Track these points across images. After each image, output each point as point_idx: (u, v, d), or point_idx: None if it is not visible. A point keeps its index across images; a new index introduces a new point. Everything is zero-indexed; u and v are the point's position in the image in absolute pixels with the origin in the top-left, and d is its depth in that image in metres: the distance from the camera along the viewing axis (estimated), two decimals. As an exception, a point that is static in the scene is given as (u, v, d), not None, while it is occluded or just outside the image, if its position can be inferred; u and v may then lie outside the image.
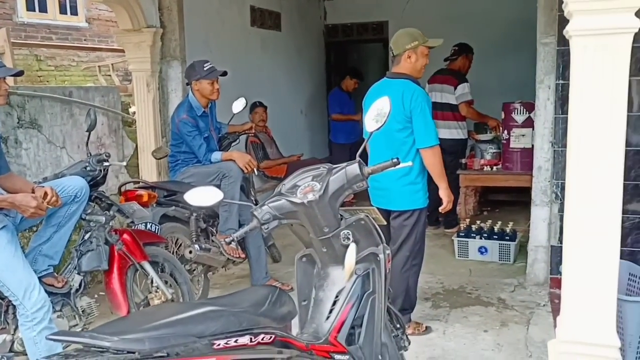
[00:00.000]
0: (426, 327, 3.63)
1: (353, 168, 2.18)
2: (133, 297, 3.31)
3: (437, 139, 3.44)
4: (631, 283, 3.43)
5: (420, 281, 3.81)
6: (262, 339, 1.87)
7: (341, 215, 2.22)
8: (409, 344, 2.53)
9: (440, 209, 3.57)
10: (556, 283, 4.14)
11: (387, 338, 2.29)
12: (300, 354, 2.04)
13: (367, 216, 2.24)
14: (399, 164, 2.28)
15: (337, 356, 2.14)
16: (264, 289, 2.16)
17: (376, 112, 2.24)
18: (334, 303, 2.15)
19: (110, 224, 3.28)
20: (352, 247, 2.04)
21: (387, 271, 2.23)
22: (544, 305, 3.97)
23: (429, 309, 3.98)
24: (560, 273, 4.06)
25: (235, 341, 1.79)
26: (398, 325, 2.52)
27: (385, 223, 2.55)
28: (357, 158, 2.20)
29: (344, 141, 7.09)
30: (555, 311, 3.84)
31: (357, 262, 2.07)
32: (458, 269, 4.73)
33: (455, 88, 5.48)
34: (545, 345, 3.37)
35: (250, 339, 1.83)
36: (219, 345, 1.75)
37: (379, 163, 2.21)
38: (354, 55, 9.58)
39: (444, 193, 3.48)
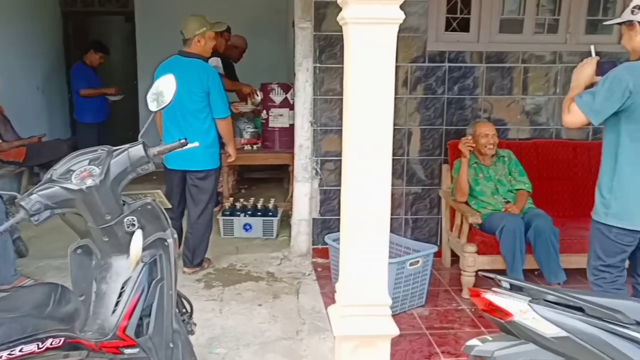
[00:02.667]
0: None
1: (137, 150, 2.06)
2: None
3: (230, 110, 4.26)
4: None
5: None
6: (51, 344, 1.67)
7: (124, 200, 2.07)
8: (195, 326, 2.50)
9: (229, 160, 4.49)
10: (318, 253, 4.49)
11: (178, 324, 2.22)
12: (90, 355, 1.87)
13: (154, 200, 2.13)
14: (186, 144, 2.23)
15: (127, 350, 2.01)
16: (44, 287, 1.92)
17: (156, 91, 2.15)
18: (120, 295, 2.00)
19: None
20: (138, 234, 1.93)
21: (176, 255, 2.17)
22: (308, 274, 4.26)
23: (203, 290, 3.96)
24: (321, 243, 4.42)
25: (20, 350, 1.58)
26: (185, 310, 2.47)
27: (170, 206, 2.46)
28: (140, 139, 2.08)
29: (91, 120, 6.57)
30: (320, 278, 4.16)
31: (143, 249, 1.96)
32: (225, 247, 4.79)
33: None
34: (316, 312, 3.65)
35: (38, 345, 1.62)
36: (0, 357, 1.52)
37: (168, 144, 2.15)
38: (95, 28, 8.87)
39: (232, 150, 4.39)
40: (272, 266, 4.40)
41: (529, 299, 1.82)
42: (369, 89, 2.40)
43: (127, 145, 2.06)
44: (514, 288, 1.89)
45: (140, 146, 2.05)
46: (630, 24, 2.73)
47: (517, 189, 4.10)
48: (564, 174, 4.44)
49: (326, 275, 4.16)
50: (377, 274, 2.54)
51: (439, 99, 4.46)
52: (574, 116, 2.72)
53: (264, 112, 5.31)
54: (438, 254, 4.43)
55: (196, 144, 2.44)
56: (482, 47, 4.44)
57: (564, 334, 1.76)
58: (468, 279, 3.83)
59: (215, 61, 5.44)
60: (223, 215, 5.06)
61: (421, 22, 4.34)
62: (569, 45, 4.49)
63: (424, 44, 4.38)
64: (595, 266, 2.86)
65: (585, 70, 2.81)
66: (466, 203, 4.10)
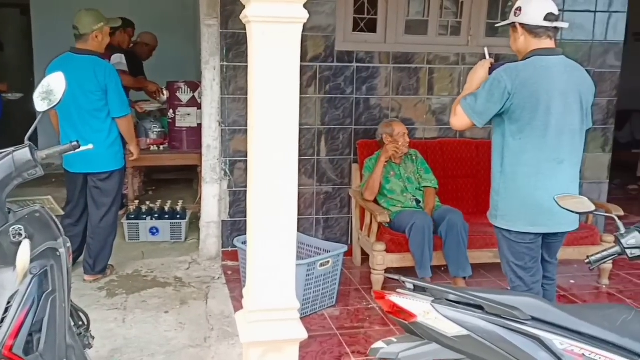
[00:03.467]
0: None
1: (23, 153, 1.93)
2: None
3: (129, 107, 4.12)
4: (293, 248, 3.84)
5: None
6: None
7: (9, 208, 1.93)
8: (94, 339, 2.37)
9: (131, 159, 4.32)
10: (228, 256, 4.39)
11: (72, 339, 2.09)
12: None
13: (43, 207, 2.00)
14: (79, 147, 2.11)
15: (15, 369, 1.86)
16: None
17: (45, 90, 2.02)
18: (6, 311, 1.85)
19: None
20: (25, 244, 1.79)
21: (70, 265, 2.04)
22: (218, 278, 4.15)
23: (105, 299, 3.76)
24: (230, 246, 4.32)
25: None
26: (81, 323, 2.33)
27: (62, 213, 2.31)
28: (27, 141, 1.94)
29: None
30: (230, 282, 4.07)
31: (32, 260, 1.83)
32: (130, 253, 4.58)
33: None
34: (225, 317, 3.56)
35: None
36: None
37: (58, 146, 2.02)
38: (-14, 21, 8.28)
39: (134, 148, 4.25)
40: (180, 271, 4.26)
41: (432, 299, 1.84)
42: (273, 89, 2.35)
43: (12, 149, 1.93)
44: (417, 289, 1.90)
45: (27, 149, 1.92)
46: (513, 26, 2.74)
47: (424, 187, 4.20)
48: (467, 172, 4.59)
49: (236, 278, 4.07)
50: (285, 277, 2.50)
51: (348, 99, 4.48)
52: (459, 118, 2.73)
53: (171, 111, 5.14)
54: (349, 253, 4.46)
55: (90, 146, 2.31)
56: (389, 48, 4.51)
57: (464, 332, 1.78)
58: (378, 278, 3.87)
59: (119, 57, 5.20)
60: (128, 219, 4.84)
61: (329, 21, 4.34)
62: (470, 47, 4.64)
63: (333, 43, 4.38)
64: (509, 271, 2.81)
65: (479, 73, 2.79)
66: (376, 201, 4.14)
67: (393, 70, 4.53)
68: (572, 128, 2.67)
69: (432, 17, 4.58)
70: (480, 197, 4.54)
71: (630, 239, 2.20)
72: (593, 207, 2.40)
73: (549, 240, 2.80)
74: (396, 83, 4.56)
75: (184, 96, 5.05)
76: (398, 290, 1.93)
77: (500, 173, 2.72)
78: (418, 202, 4.15)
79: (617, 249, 2.23)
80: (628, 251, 2.19)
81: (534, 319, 1.83)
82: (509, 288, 2.90)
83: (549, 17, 2.64)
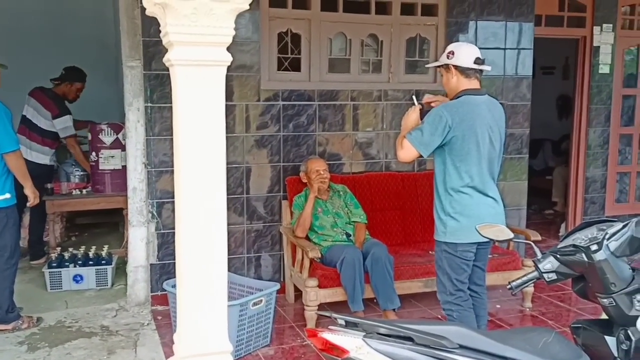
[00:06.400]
0: (37, 318, 3.97)
1: None
2: None
3: (18, 143, 3.85)
4: (225, 289, 3.79)
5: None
6: None
7: None
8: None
9: (28, 204, 4.13)
10: (157, 300, 4.27)
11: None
12: None
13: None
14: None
15: None
16: None
17: None
18: None
19: None
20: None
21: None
22: (147, 324, 4.02)
23: (25, 354, 3.55)
24: (160, 290, 4.21)
25: None
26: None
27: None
28: None
29: None
30: (160, 327, 3.95)
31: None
32: (53, 303, 4.36)
33: (53, 116, 5.17)
34: (156, 364, 3.44)
35: None
36: None
37: None
38: None
39: (29, 191, 3.97)
40: (106, 319, 4.09)
41: (364, 333, 1.86)
42: (198, 130, 2.34)
43: None
44: (349, 324, 1.93)
45: None
46: (446, 67, 3.11)
47: (353, 221, 4.27)
48: (395, 204, 4.70)
49: (167, 323, 3.96)
50: (217, 320, 2.45)
51: (275, 137, 4.53)
52: (407, 151, 3.06)
53: (93, 154, 5.00)
54: (282, 291, 4.45)
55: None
56: (313, 86, 4.60)
57: (396, 365, 1.82)
58: (311, 314, 3.87)
59: (65, 121, 5.15)
60: (49, 267, 4.62)
61: (254, 61, 4.40)
62: (392, 83, 4.82)
63: (258, 82, 4.43)
64: (450, 286, 3.11)
65: (411, 117, 3.17)
66: (307, 237, 4.17)
67: (318, 107, 4.63)
68: (494, 155, 3.11)
69: (354, 56, 4.73)
70: (408, 227, 4.67)
71: (547, 264, 2.32)
72: (512, 235, 2.54)
73: (480, 247, 3.12)
74: (322, 119, 4.65)
75: (107, 138, 4.93)
76: (330, 326, 1.94)
77: (445, 196, 3.06)
78: (349, 235, 4.20)
79: (535, 273, 2.35)
80: (545, 275, 2.32)
81: (461, 346, 1.89)
82: (445, 309, 3.18)
83: (477, 60, 3.06)
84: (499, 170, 3.20)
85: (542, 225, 6.69)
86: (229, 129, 4.39)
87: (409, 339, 1.86)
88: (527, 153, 5.33)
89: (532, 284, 2.46)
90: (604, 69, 5.88)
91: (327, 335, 1.86)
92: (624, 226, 2.24)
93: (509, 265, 4.25)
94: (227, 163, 4.33)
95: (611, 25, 5.80)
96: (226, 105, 4.34)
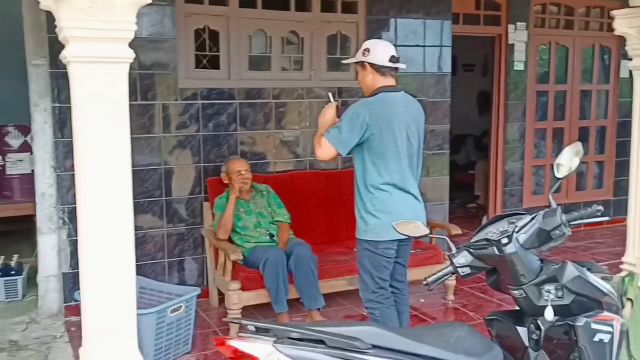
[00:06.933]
0: None
1: None
2: None
3: None
4: (142, 296, 3.64)
5: None
6: None
7: None
8: None
9: None
10: (71, 311, 4.06)
11: None
12: None
13: None
14: None
15: None
16: None
17: None
18: None
19: None
20: None
21: None
22: (60, 337, 3.82)
23: None
24: (74, 300, 4.00)
25: None
26: None
27: None
28: None
29: None
30: (73, 339, 3.76)
31: None
32: (-44, 319, 4.07)
33: None
34: (69, 379, 3.26)
35: None
36: None
37: None
38: None
39: None
40: (16, 333, 3.85)
41: (274, 339, 1.81)
42: (99, 132, 2.21)
43: None
44: (260, 330, 1.86)
45: None
46: (362, 64, 3.09)
47: (277, 221, 4.20)
48: (319, 202, 4.68)
49: (81, 334, 3.75)
50: (125, 330, 2.34)
51: (195, 137, 4.40)
52: (325, 149, 3.01)
53: (0, 158, 4.70)
54: (205, 294, 4.34)
55: None
56: (234, 84, 4.51)
57: (308, 369, 1.77)
58: (234, 317, 3.78)
59: None
60: (-48, 280, 4.31)
61: (170, 59, 4.25)
62: (314, 81, 4.78)
63: (175, 81, 4.29)
64: (372, 284, 3.09)
65: (328, 114, 3.12)
66: (230, 239, 4.08)
67: (239, 106, 4.53)
68: (413, 152, 3.11)
69: (275, 53, 4.66)
70: (333, 226, 4.65)
71: (460, 258, 2.34)
72: (427, 231, 2.54)
73: (401, 244, 3.11)
74: (244, 118, 4.56)
75: (15, 141, 4.66)
76: (239, 333, 1.87)
77: (365, 194, 3.04)
78: (272, 236, 4.14)
79: (450, 268, 2.36)
80: (459, 270, 2.34)
81: (374, 346, 1.86)
82: (367, 307, 3.17)
83: (392, 59, 3.06)
84: (420, 166, 3.21)
85: (466, 218, 6.86)
86: (146, 129, 4.23)
87: (321, 342, 1.82)
88: (448, 149, 5.43)
89: (449, 278, 2.47)
90: (519, 66, 6.08)
91: (236, 343, 1.79)
92: (532, 219, 2.28)
93: (431, 259, 4.31)
94: (144, 165, 4.23)
95: (524, 23, 6.01)
96: (142, 104, 4.23)
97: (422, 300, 4.47)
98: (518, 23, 5.99)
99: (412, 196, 3.11)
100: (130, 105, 4.02)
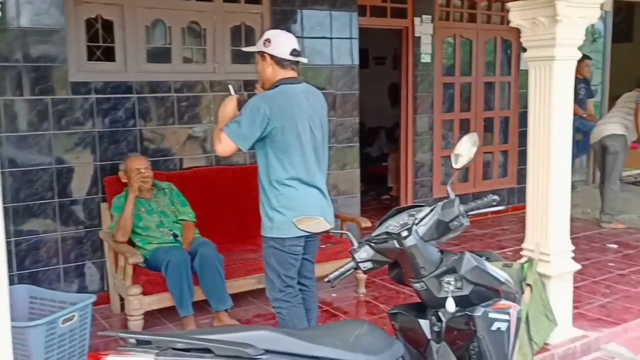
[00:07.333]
0: None
1: None
2: None
3: None
4: (33, 306, 3.37)
5: None
6: None
7: None
8: None
9: None
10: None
11: None
12: None
13: None
14: None
15: None
16: None
17: None
18: None
19: None
20: None
21: None
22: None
23: None
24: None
25: None
26: None
27: None
28: None
29: None
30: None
31: None
32: None
33: None
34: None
35: None
36: None
37: None
38: None
39: None
40: None
41: (157, 351, 1.67)
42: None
43: None
44: (141, 342, 1.72)
45: None
46: (262, 54, 2.96)
47: (181, 220, 4.02)
48: (226, 199, 4.52)
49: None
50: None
51: (90, 134, 4.13)
52: (225, 144, 2.87)
53: None
54: (106, 300, 4.10)
55: None
56: (131, 77, 4.27)
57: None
58: (136, 324, 3.57)
59: None
60: None
61: (59, 51, 3.95)
62: (218, 74, 4.62)
63: (66, 74, 4.00)
64: (279, 283, 3.00)
65: (228, 108, 2.97)
66: (130, 240, 3.86)
67: (138, 100, 4.30)
68: (318, 145, 3.01)
69: (175, 45, 4.46)
70: (242, 223, 4.51)
71: (362, 253, 2.29)
72: (329, 227, 2.48)
73: (308, 240, 3.01)
74: (143, 113, 4.33)
75: None
76: (119, 347, 1.72)
77: (270, 190, 2.92)
78: (176, 236, 3.96)
79: (352, 264, 2.30)
80: (361, 265, 2.28)
81: (268, 352, 1.77)
82: (275, 307, 3.08)
83: (293, 52, 2.93)
84: (327, 160, 3.12)
85: (380, 210, 6.90)
86: (34, 126, 3.93)
87: (209, 350, 1.70)
88: (358, 141, 5.42)
89: (350, 274, 2.41)
90: (426, 59, 6.17)
91: (113, 358, 1.64)
92: (431, 210, 2.27)
93: (342, 253, 4.25)
94: (34, 165, 3.93)
95: (430, 16, 6.10)
96: (30, 100, 3.93)
97: (333, 295, 4.42)
98: (424, 16, 6.07)
99: (318, 191, 3.02)
100: (16, 101, 3.76)
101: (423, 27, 6.08)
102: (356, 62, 5.29)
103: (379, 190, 7.95)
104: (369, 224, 4.29)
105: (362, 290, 4.46)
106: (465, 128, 6.62)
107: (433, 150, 6.38)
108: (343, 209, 5.28)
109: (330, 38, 5.13)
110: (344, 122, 5.25)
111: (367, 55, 9.18)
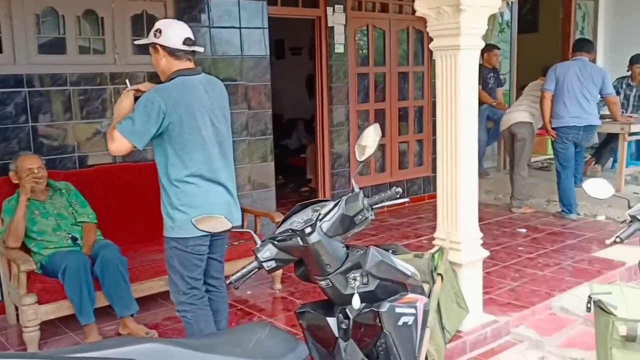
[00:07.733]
0: None
1: None
2: None
3: None
4: None
5: None
6: None
7: None
8: None
9: None
10: None
11: None
12: None
13: None
14: None
15: None
16: None
17: None
18: None
19: None
20: None
21: None
22: None
23: None
24: None
25: None
26: None
27: None
28: None
29: None
30: None
31: None
32: None
33: None
34: None
35: None
36: None
37: None
38: None
39: None
40: None
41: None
42: None
43: None
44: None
45: None
46: (154, 46, 2.79)
47: (80, 222, 3.77)
48: (132, 197, 4.29)
49: None
50: None
51: (-25, 131, 3.79)
52: (118, 143, 2.70)
53: None
54: (2, 311, 3.80)
55: None
56: (21, 70, 3.95)
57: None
58: (31, 335, 3.32)
59: None
60: None
61: None
62: (119, 65, 4.36)
63: (-56, 66, 3.65)
64: (183, 285, 2.85)
65: (124, 103, 2.79)
66: (24, 246, 3.57)
67: (30, 94, 3.98)
68: (222, 138, 2.87)
69: (70, 35, 4.16)
70: (149, 222, 4.28)
71: (265, 252, 2.18)
72: (230, 225, 2.34)
73: (215, 238, 2.88)
74: (36, 108, 4.02)
75: None
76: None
77: (170, 188, 2.76)
78: (75, 239, 3.70)
79: (255, 263, 2.19)
80: (265, 264, 2.18)
81: None
82: (179, 311, 2.92)
83: (186, 41, 2.77)
84: (232, 153, 2.98)
85: (299, 202, 6.82)
86: None
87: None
88: (271, 134, 5.30)
89: (253, 275, 2.30)
90: (339, 49, 6.11)
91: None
92: (335, 205, 2.20)
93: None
94: None
95: (342, 6, 6.04)
96: None
97: (248, 292, 4.30)
98: (336, 5, 6.00)
99: (223, 187, 2.86)
100: None
101: (336, 17, 6.01)
102: (266, 52, 5.16)
103: (298, 183, 7.88)
104: (282, 218, 4.17)
105: (278, 286, 4.37)
106: (380, 118, 6.64)
107: (350, 141, 6.35)
108: (259, 202, 5.17)
109: (240, 28, 4.97)
110: (257, 114, 5.12)
111: (283, 46, 9.08)
